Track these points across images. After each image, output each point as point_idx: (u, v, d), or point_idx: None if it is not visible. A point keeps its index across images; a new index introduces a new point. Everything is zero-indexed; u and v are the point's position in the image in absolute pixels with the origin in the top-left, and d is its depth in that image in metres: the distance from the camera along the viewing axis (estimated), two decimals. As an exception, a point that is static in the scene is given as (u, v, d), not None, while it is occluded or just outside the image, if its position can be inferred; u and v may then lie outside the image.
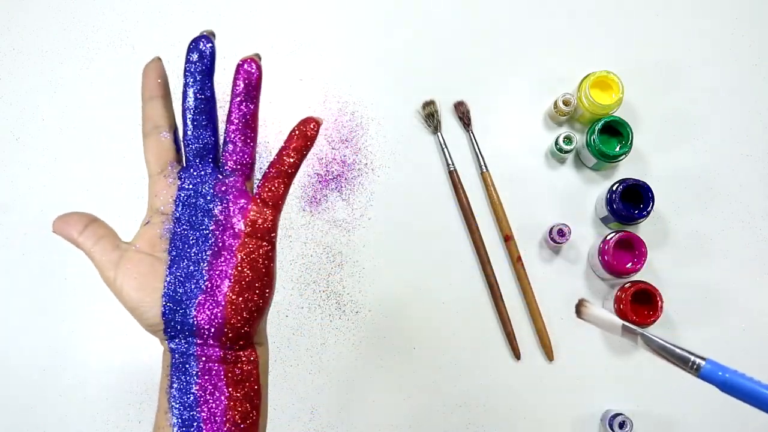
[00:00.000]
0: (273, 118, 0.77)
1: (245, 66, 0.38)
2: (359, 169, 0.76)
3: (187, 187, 0.39)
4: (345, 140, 0.77)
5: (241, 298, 0.37)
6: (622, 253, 0.71)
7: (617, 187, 0.70)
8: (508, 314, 0.73)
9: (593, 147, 0.71)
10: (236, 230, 0.38)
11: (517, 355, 0.73)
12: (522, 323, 0.74)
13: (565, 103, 0.73)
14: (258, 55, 0.39)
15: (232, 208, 0.39)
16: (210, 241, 0.39)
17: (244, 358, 0.38)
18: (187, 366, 0.37)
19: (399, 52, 0.78)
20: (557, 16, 0.79)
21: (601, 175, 0.76)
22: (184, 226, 0.39)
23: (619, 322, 0.43)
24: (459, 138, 0.77)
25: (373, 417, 0.73)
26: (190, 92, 0.38)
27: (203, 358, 0.37)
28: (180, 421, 0.37)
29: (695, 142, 0.76)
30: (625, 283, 0.71)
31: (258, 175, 0.70)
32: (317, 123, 0.38)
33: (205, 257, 0.38)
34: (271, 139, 0.77)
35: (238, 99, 0.38)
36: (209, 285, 0.38)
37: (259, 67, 0.38)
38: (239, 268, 0.38)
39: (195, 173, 0.39)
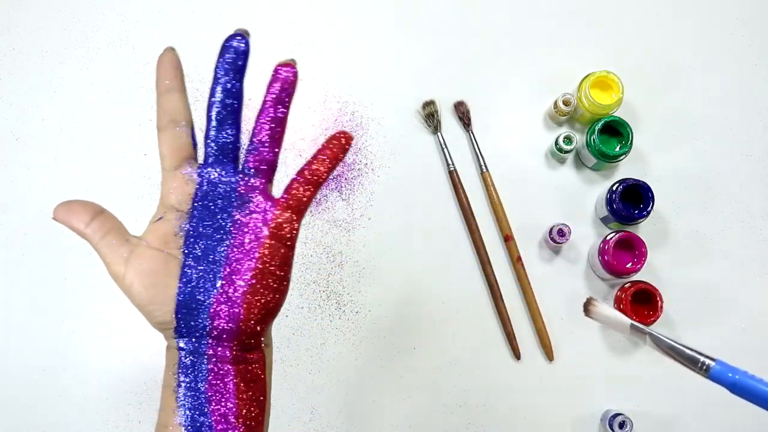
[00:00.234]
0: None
1: (283, 71, 0.38)
2: (359, 169, 0.76)
3: (206, 185, 0.39)
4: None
5: (257, 301, 0.37)
6: (622, 253, 0.71)
7: (617, 187, 0.70)
8: (508, 314, 0.73)
9: (593, 147, 0.71)
10: (258, 233, 0.38)
11: (517, 355, 0.73)
12: (522, 323, 0.74)
13: (565, 103, 0.73)
14: (294, 60, 0.39)
15: (254, 211, 0.38)
16: (228, 242, 0.38)
17: (252, 359, 0.38)
18: (197, 365, 0.37)
19: (399, 52, 0.78)
20: (557, 16, 0.79)
21: (601, 175, 0.76)
22: (202, 225, 0.38)
23: (628, 321, 0.43)
24: (459, 138, 0.77)
25: (373, 417, 0.73)
26: (220, 89, 0.38)
27: (214, 358, 0.37)
28: (190, 420, 0.36)
29: (695, 142, 0.76)
30: (625, 283, 0.71)
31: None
32: (349, 138, 0.40)
33: (222, 257, 0.38)
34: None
35: (272, 102, 0.38)
36: (225, 285, 0.37)
37: (295, 73, 0.39)
38: (258, 271, 0.37)
39: (216, 171, 0.39)
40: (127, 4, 0.79)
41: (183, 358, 0.37)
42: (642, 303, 0.70)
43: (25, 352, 0.74)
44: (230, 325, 0.37)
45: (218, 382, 0.37)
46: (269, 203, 0.39)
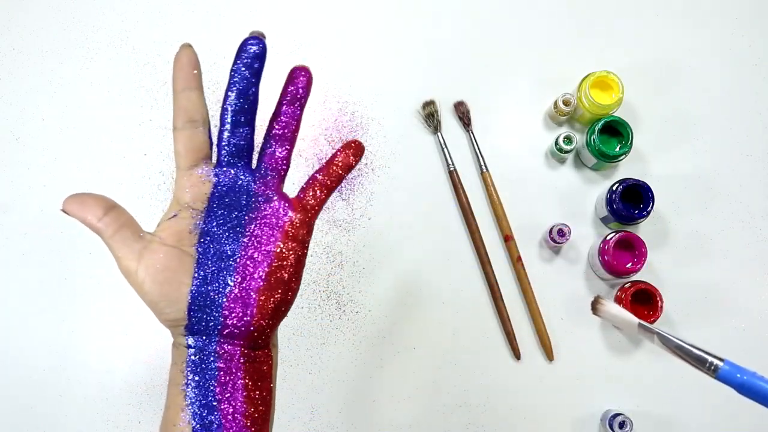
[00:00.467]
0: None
1: (299, 75, 0.39)
2: (359, 169, 0.76)
3: (223, 184, 0.39)
4: (345, 140, 0.77)
5: (270, 300, 0.38)
6: (622, 253, 0.71)
7: (617, 187, 0.70)
8: (508, 314, 0.73)
9: (593, 147, 0.71)
10: (272, 232, 0.38)
11: (517, 355, 0.73)
12: (522, 323, 0.74)
13: (565, 103, 0.73)
14: (308, 66, 0.40)
15: (270, 210, 0.39)
16: (242, 241, 0.38)
17: (261, 358, 0.39)
18: (207, 363, 0.37)
19: (399, 52, 0.78)
20: (557, 16, 0.79)
21: (601, 175, 0.76)
22: (217, 223, 0.38)
23: (636, 320, 0.43)
24: (459, 138, 0.77)
25: (373, 417, 0.73)
26: (235, 91, 0.38)
27: (224, 356, 0.37)
28: (199, 418, 0.36)
29: (695, 142, 0.76)
30: (625, 283, 0.71)
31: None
32: (360, 146, 0.41)
33: (236, 256, 0.38)
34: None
35: (288, 103, 0.39)
36: (238, 284, 0.37)
37: (310, 77, 0.39)
38: (272, 270, 0.38)
39: (232, 171, 0.39)
40: (127, 4, 0.79)
41: (192, 355, 0.37)
42: (642, 303, 0.70)
43: (25, 352, 0.74)
44: (242, 323, 0.37)
45: (228, 380, 0.37)
46: (284, 203, 0.39)
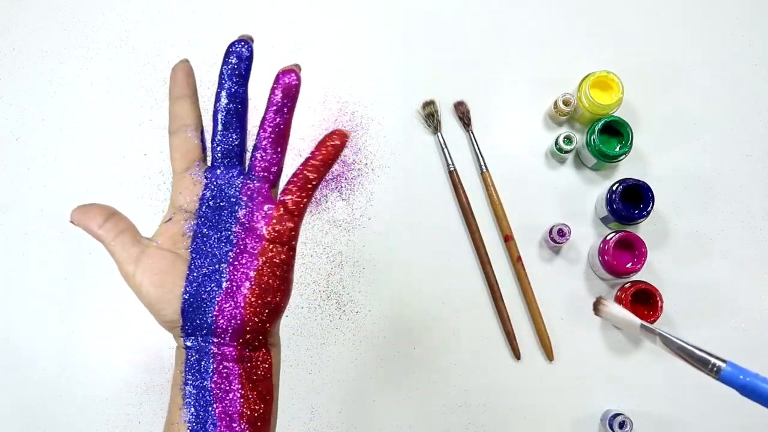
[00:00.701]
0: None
1: (285, 77, 0.38)
2: (359, 169, 0.76)
3: (213, 187, 0.39)
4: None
5: (259, 301, 0.38)
6: (622, 253, 0.71)
7: (617, 187, 0.70)
8: (508, 314, 0.73)
9: (593, 147, 0.71)
10: (259, 235, 0.39)
11: (517, 355, 0.73)
12: (522, 323, 0.74)
13: (565, 103, 0.73)
14: (298, 66, 0.39)
15: (256, 213, 0.39)
16: (233, 242, 0.39)
17: (258, 358, 0.39)
18: (203, 364, 0.38)
19: (399, 52, 0.78)
20: (557, 16, 0.79)
21: (601, 175, 0.76)
22: (208, 226, 0.39)
23: (638, 321, 0.43)
24: (459, 138, 0.77)
25: (373, 417, 0.73)
26: (224, 94, 0.39)
27: (219, 357, 0.38)
28: (194, 417, 0.37)
29: (695, 142, 0.76)
30: (625, 283, 0.71)
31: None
32: (342, 136, 0.39)
33: (227, 258, 0.39)
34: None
35: (275, 108, 0.38)
36: (229, 285, 0.38)
37: (298, 78, 0.38)
38: (260, 272, 0.38)
39: (222, 174, 0.40)
40: (127, 4, 0.79)
41: (189, 356, 0.38)
42: (642, 303, 0.70)
43: (25, 352, 0.74)
44: (234, 324, 0.37)
45: (223, 380, 0.38)
46: (270, 206, 0.39)
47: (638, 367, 0.73)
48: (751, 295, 0.74)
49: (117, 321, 0.74)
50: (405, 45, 0.79)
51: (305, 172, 0.39)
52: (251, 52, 0.38)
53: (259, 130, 0.39)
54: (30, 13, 0.79)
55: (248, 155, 0.41)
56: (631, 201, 0.72)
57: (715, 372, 0.38)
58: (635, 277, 0.72)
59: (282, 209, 0.39)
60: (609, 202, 0.71)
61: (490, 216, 0.75)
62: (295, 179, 0.39)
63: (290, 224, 0.39)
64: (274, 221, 0.39)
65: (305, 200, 0.39)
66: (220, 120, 0.39)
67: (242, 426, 0.38)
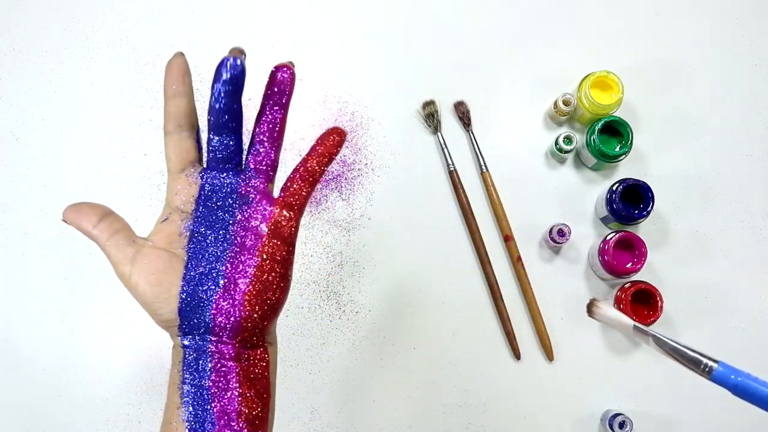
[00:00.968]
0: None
1: (279, 73, 0.38)
2: (359, 169, 0.76)
3: (208, 186, 0.39)
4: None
5: (258, 299, 0.38)
6: (622, 253, 0.71)
7: (617, 187, 0.70)
8: (508, 314, 0.73)
9: (593, 147, 0.71)
10: (258, 232, 0.39)
11: (517, 355, 0.73)
12: (522, 323, 0.74)
13: (565, 103, 0.73)
14: (292, 63, 0.39)
15: (254, 210, 0.39)
16: (230, 241, 0.39)
17: (256, 357, 0.39)
18: (201, 362, 0.38)
19: (399, 52, 0.78)
20: (557, 16, 0.79)
21: (601, 175, 0.76)
22: (205, 225, 0.39)
23: (631, 322, 0.43)
24: (459, 138, 0.77)
25: (373, 417, 0.73)
26: (217, 106, 0.38)
27: (217, 355, 0.38)
28: (193, 416, 0.37)
29: (695, 142, 0.76)
30: (625, 283, 0.71)
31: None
32: (341, 132, 0.39)
33: (224, 256, 0.38)
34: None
35: (269, 104, 0.39)
36: (227, 284, 0.38)
37: (292, 75, 0.38)
38: (259, 269, 0.38)
39: (217, 174, 0.39)
40: (127, 4, 0.79)
41: (187, 355, 0.38)
42: (642, 303, 0.70)
43: (25, 352, 0.74)
44: (231, 322, 0.37)
45: (221, 379, 0.38)
46: (268, 203, 0.39)
47: (638, 367, 0.73)
48: (751, 295, 0.74)
49: (117, 321, 0.74)
50: (405, 45, 0.79)
51: (307, 165, 0.39)
52: (243, 68, 0.37)
53: (255, 126, 0.39)
54: (30, 13, 0.79)
55: (244, 154, 0.41)
56: (631, 201, 0.72)
57: (707, 372, 0.38)
58: (635, 277, 0.72)
59: (282, 204, 0.39)
60: (609, 202, 0.71)
61: (490, 216, 0.76)
62: (295, 174, 0.39)
63: (291, 219, 0.39)
64: (274, 217, 0.39)
65: (306, 194, 0.39)
66: (214, 128, 0.39)
67: (240, 425, 0.38)
